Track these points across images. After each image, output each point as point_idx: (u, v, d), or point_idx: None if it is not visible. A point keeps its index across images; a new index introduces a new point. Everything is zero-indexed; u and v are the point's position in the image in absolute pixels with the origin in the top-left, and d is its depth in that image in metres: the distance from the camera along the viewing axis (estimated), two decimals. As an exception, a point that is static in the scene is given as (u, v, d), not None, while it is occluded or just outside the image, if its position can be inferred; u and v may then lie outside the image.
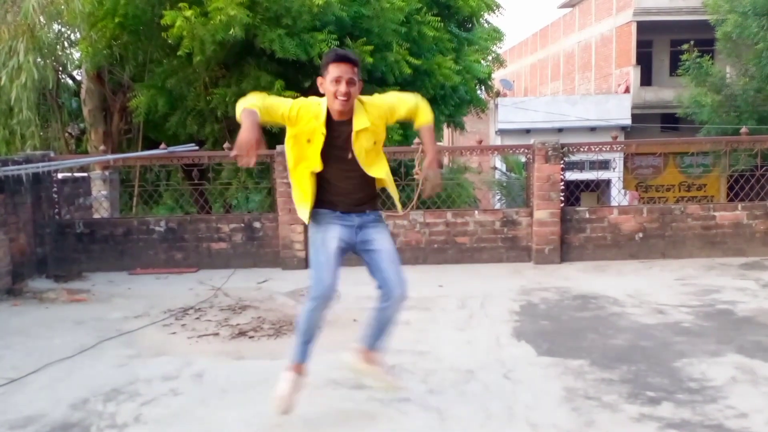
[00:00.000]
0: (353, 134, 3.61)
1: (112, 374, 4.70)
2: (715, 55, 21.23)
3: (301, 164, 3.71)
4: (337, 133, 3.61)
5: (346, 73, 3.49)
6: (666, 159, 23.44)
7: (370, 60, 10.30)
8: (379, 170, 3.79)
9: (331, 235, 3.73)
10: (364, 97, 3.73)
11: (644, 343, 5.09)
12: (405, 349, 4.87)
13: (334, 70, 3.50)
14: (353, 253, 3.84)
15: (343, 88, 3.49)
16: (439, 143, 18.44)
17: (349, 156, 3.64)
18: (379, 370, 3.91)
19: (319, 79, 3.62)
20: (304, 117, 3.60)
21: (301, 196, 3.76)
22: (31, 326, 6.01)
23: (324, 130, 3.58)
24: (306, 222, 3.79)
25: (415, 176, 8.04)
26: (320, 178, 3.71)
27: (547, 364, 4.70)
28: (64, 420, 3.95)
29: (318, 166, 3.64)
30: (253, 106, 3.47)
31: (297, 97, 10.08)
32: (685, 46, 18.28)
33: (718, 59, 21.04)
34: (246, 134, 3.31)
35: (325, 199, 3.76)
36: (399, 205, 4.01)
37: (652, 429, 3.63)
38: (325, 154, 3.62)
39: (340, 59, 3.53)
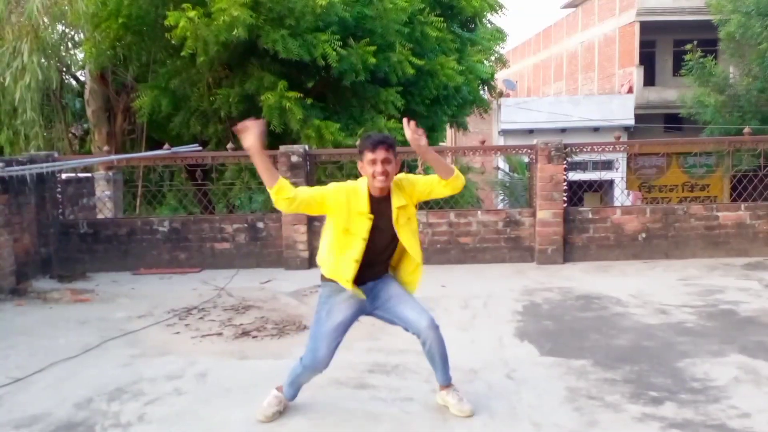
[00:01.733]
0: (394, 210, 3.70)
1: (116, 374, 4.72)
2: (718, 55, 21.18)
3: (344, 240, 3.71)
4: (379, 212, 3.69)
5: (381, 155, 3.60)
6: (669, 159, 23.39)
7: (373, 60, 10.31)
8: (415, 249, 3.83)
9: (339, 309, 3.78)
10: (401, 175, 3.82)
11: (647, 343, 5.09)
12: (408, 349, 4.87)
13: (369, 155, 3.62)
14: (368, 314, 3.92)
15: (379, 168, 3.60)
16: (442, 143, 18.46)
17: (391, 234, 3.73)
18: (454, 400, 3.90)
19: (359, 164, 3.71)
20: (345, 207, 3.67)
21: (335, 269, 3.74)
22: (35, 326, 6.03)
23: (370, 215, 3.67)
24: (324, 276, 3.81)
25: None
26: (353, 255, 3.71)
27: (550, 364, 4.71)
28: (68, 419, 3.96)
29: (360, 252, 3.68)
30: (285, 187, 3.60)
31: (300, 97, 10.07)
32: (688, 46, 18.23)
33: (722, 59, 21.00)
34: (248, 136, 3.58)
35: (344, 274, 3.75)
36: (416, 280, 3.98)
37: (654, 429, 3.64)
38: (372, 233, 3.70)
39: (376, 145, 3.61)
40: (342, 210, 3.67)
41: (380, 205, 3.70)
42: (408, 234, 3.77)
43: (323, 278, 3.83)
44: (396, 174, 3.72)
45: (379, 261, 3.82)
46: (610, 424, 3.71)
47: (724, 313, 5.92)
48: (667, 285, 6.97)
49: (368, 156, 3.63)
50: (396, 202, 3.71)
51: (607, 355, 4.83)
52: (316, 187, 3.77)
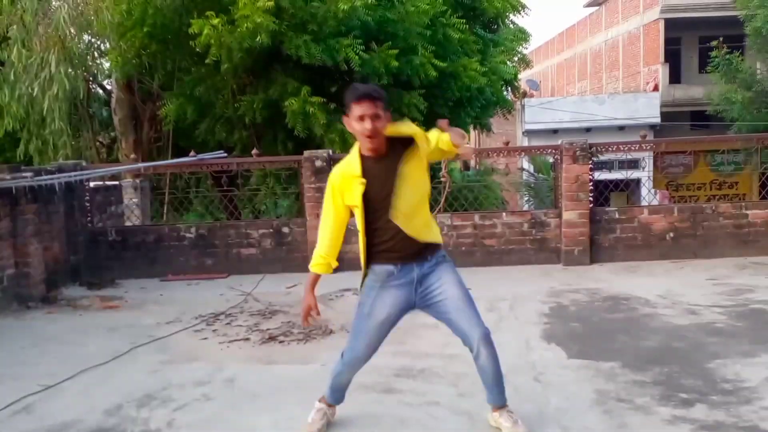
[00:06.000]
0: (403, 157, 3.41)
1: (146, 380, 4.77)
2: (745, 51, 20.94)
3: (360, 219, 3.51)
4: (374, 175, 3.43)
5: (369, 110, 3.32)
6: (696, 157, 23.12)
7: (395, 64, 10.31)
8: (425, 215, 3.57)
9: (383, 304, 3.54)
10: (405, 127, 3.51)
11: (676, 345, 5.04)
12: (434, 353, 4.87)
13: (357, 109, 3.34)
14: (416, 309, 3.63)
15: (368, 125, 3.32)
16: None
17: (394, 194, 3.40)
18: (507, 423, 3.59)
19: (345, 118, 3.47)
20: (347, 184, 3.48)
21: (363, 254, 3.56)
22: (65, 333, 6.11)
23: (362, 178, 3.41)
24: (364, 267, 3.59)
25: (442, 179, 8.06)
26: (372, 228, 3.49)
27: (578, 366, 4.67)
28: (98, 426, 4.01)
29: (359, 210, 3.46)
30: (317, 259, 3.65)
31: (324, 102, 10.09)
32: (714, 43, 18.06)
33: (748, 55, 20.75)
34: (304, 303, 3.73)
35: (380, 251, 3.53)
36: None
37: (685, 431, 3.60)
38: (368, 198, 3.44)
39: (361, 97, 3.34)
40: (345, 188, 3.47)
41: (378, 164, 3.42)
42: (411, 187, 3.43)
43: (364, 270, 3.59)
44: (385, 130, 3.39)
45: (404, 236, 3.45)
46: (640, 427, 3.67)
47: (755, 312, 5.83)
48: (696, 285, 6.89)
49: (355, 111, 3.34)
50: (405, 155, 3.40)
51: (636, 357, 4.79)
52: (325, 206, 3.62)
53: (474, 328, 3.47)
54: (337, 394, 3.83)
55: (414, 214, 3.48)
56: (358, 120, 3.36)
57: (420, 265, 3.52)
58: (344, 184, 3.49)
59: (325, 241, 3.62)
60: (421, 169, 3.47)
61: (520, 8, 14.63)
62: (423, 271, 3.52)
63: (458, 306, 3.50)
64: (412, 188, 3.45)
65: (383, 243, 3.49)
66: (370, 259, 3.55)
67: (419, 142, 3.40)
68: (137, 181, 10.87)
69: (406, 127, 3.46)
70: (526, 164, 23.09)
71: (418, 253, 3.51)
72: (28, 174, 7.21)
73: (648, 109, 24.80)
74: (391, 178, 3.40)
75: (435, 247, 3.57)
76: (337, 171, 3.57)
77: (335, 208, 3.56)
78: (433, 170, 8.69)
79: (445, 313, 3.53)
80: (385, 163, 3.42)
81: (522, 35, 17.82)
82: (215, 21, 9.61)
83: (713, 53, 18.18)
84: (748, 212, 8.11)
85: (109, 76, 13.63)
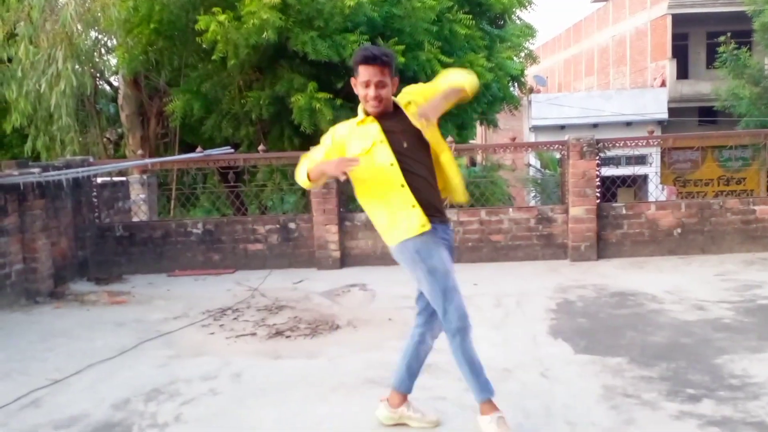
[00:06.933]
0: (407, 115, 3.35)
1: (153, 374, 4.78)
2: (752, 47, 20.85)
3: (375, 181, 3.38)
4: (391, 125, 3.37)
5: (375, 76, 3.28)
6: (704, 153, 23.07)
7: (402, 60, 10.30)
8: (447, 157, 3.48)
9: (447, 257, 3.39)
10: (409, 92, 3.50)
11: (684, 340, 5.03)
12: (440, 348, 4.85)
13: (363, 73, 3.30)
14: None
15: (372, 92, 3.29)
16: (472, 141, 18.38)
17: (406, 144, 3.35)
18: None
19: (352, 80, 3.41)
20: (348, 140, 3.41)
21: (397, 208, 3.35)
22: (73, 328, 6.13)
23: (382, 134, 3.34)
24: (412, 236, 3.33)
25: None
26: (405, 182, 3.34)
27: (584, 362, 4.67)
28: (106, 420, 4.02)
29: (395, 166, 3.32)
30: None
31: (330, 98, 10.11)
32: (721, 38, 17.98)
33: (756, 51, 20.67)
34: (332, 162, 3.31)
35: (417, 206, 3.34)
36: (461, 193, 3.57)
37: (692, 427, 3.59)
38: (395, 150, 3.35)
39: (368, 61, 3.29)
40: (345, 142, 3.41)
41: (389, 121, 3.37)
42: (427, 137, 3.37)
43: (399, 245, 3.38)
44: (391, 96, 3.37)
45: (425, 189, 3.36)
46: (647, 423, 3.67)
47: (763, 308, 5.81)
48: (703, 281, 6.87)
49: (362, 75, 3.30)
50: (409, 113, 3.37)
51: (643, 353, 4.78)
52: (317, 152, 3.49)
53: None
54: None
55: (434, 166, 3.45)
56: (363, 86, 3.33)
57: (444, 228, 3.46)
58: (352, 144, 3.38)
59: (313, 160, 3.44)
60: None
61: (526, 4, 14.58)
62: (447, 235, 3.48)
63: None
64: (430, 136, 3.41)
65: (416, 196, 3.34)
66: (407, 219, 3.34)
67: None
68: (144, 176, 10.90)
69: (409, 96, 3.45)
70: (533, 160, 23.09)
71: (438, 211, 3.43)
72: (36, 170, 7.23)
73: (655, 105, 24.74)
74: (408, 130, 3.36)
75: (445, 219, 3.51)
76: (345, 132, 3.46)
77: (329, 146, 3.46)
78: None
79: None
80: (396, 118, 3.39)
81: (529, 31, 17.78)
82: (222, 17, 9.62)
83: (721, 49, 18.10)
84: (755, 208, 8.08)
85: (116, 73, 13.65)
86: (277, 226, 8.51)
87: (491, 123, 17.01)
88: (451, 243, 3.52)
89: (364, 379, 4.39)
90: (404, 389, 3.70)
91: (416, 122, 3.34)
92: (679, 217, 8.12)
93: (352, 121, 3.50)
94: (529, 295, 6.59)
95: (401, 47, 10.31)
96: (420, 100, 3.40)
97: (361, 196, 3.50)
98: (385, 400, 3.76)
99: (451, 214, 8.14)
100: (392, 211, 3.38)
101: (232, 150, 9.41)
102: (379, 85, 3.30)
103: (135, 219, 9.80)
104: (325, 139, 3.52)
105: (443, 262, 3.35)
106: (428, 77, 11.02)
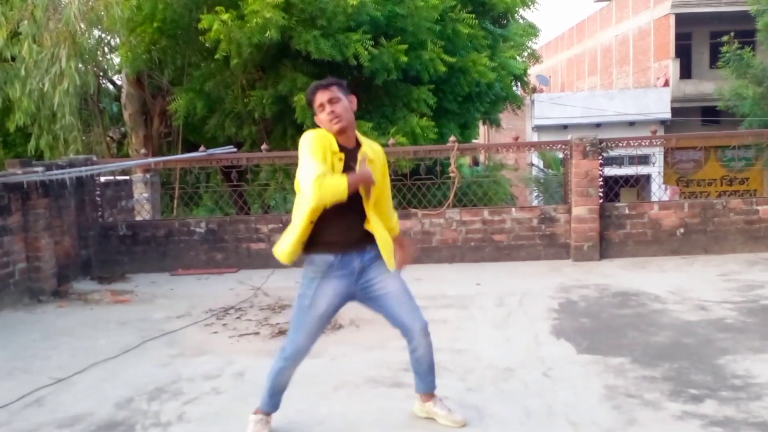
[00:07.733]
0: (360, 154, 3.45)
1: (156, 373, 4.79)
2: (756, 47, 20.81)
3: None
4: (350, 156, 3.45)
5: (324, 96, 3.41)
6: (707, 153, 23.03)
7: (404, 59, 10.31)
8: (386, 209, 3.67)
9: (325, 296, 3.52)
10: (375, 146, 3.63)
11: (686, 340, 5.03)
12: (443, 347, 4.87)
13: (317, 100, 3.44)
14: (356, 301, 3.63)
15: (328, 109, 3.39)
16: (474, 140, 18.38)
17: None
18: (443, 411, 3.75)
19: (315, 118, 3.51)
20: (328, 152, 3.41)
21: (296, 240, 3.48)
22: (76, 327, 6.14)
23: (340, 153, 3.40)
24: (286, 261, 3.53)
25: (451, 174, 8.07)
26: (326, 215, 3.41)
27: (587, 361, 4.67)
28: (109, 419, 4.03)
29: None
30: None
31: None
32: (725, 38, 17.94)
33: (760, 50, 20.62)
34: (366, 172, 3.40)
35: (322, 240, 3.47)
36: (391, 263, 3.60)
37: (695, 427, 3.59)
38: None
39: (319, 88, 3.46)
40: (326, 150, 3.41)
41: (350, 153, 3.44)
42: (379, 177, 3.49)
43: (306, 257, 3.55)
44: (350, 113, 3.46)
45: (351, 224, 3.47)
46: (650, 423, 3.67)
47: (765, 308, 5.81)
48: (706, 281, 6.87)
49: (316, 102, 3.44)
50: (365, 150, 3.48)
51: (645, 353, 4.78)
52: (312, 149, 3.39)
53: (415, 321, 3.59)
54: (275, 398, 3.72)
55: (381, 202, 3.60)
56: (319, 110, 3.44)
57: (360, 255, 3.53)
58: (327, 149, 3.39)
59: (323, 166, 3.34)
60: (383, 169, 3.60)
61: (529, 3, 14.58)
62: (364, 262, 3.53)
63: (400, 300, 3.59)
64: (380, 179, 3.53)
65: (328, 231, 3.45)
66: (308, 248, 3.51)
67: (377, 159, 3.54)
68: (147, 175, 10.92)
69: (371, 148, 3.58)
70: (535, 160, 23.07)
71: (359, 242, 3.51)
72: (39, 169, 7.24)
73: (658, 105, 24.69)
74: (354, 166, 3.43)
75: (373, 240, 3.54)
76: (320, 133, 3.45)
77: (323, 155, 3.37)
78: (443, 165, 8.71)
79: (386, 307, 3.60)
80: (356, 152, 3.47)
81: (532, 30, 17.78)
82: (225, 16, 9.63)
83: (724, 48, 18.06)
84: (759, 208, 8.08)
85: (119, 71, 13.68)
86: (280, 225, 8.50)
87: (494, 122, 17.04)
88: (360, 268, 3.54)
89: (367, 379, 4.39)
90: (421, 390, 3.81)
91: (359, 166, 3.44)
92: (682, 217, 8.12)
93: (324, 134, 3.45)
94: (531, 294, 6.59)
95: (404, 46, 10.32)
96: (373, 157, 3.50)
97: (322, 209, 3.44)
98: (418, 396, 3.86)
99: (454, 214, 8.14)
100: (301, 233, 3.46)
101: (235, 149, 9.42)
102: (333, 101, 3.41)
103: (138, 218, 9.81)
104: (310, 146, 3.39)
105: (311, 300, 3.53)
106: (431, 77, 11.05)
